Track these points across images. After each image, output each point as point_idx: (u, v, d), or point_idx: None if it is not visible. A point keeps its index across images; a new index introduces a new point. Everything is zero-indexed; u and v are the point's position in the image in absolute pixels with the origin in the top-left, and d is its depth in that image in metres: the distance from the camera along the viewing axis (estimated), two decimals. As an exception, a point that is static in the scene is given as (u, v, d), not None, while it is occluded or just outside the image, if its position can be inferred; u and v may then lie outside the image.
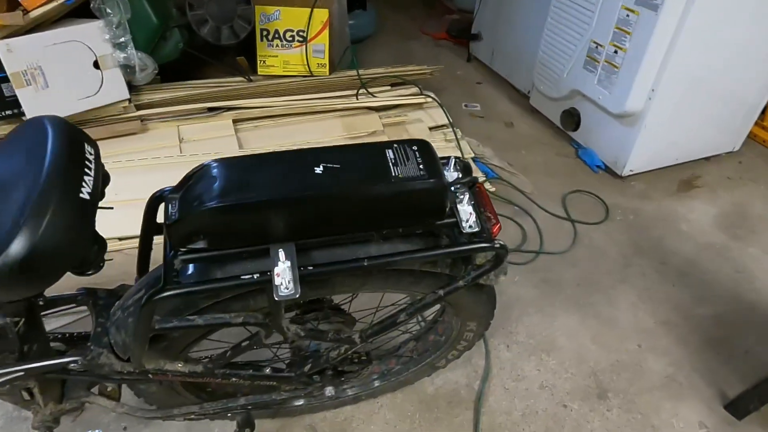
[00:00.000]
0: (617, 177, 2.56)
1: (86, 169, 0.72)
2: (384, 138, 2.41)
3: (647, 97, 2.28)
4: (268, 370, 1.09)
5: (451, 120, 2.56)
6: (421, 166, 0.80)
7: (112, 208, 0.93)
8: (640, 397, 1.65)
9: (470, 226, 0.85)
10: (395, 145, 0.83)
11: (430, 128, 2.56)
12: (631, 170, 2.51)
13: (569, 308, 1.92)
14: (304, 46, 2.54)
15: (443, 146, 2.38)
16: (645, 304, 1.95)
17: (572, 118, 2.72)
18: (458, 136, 2.53)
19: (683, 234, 2.27)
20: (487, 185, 2.43)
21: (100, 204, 0.84)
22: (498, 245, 0.88)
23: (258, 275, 0.78)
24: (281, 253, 0.78)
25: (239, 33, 2.36)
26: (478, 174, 2.46)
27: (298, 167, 0.78)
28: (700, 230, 2.30)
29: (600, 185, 2.53)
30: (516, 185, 2.47)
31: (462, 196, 0.87)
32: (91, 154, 0.75)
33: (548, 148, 2.79)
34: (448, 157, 0.94)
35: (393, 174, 0.78)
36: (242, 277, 0.79)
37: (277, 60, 2.54)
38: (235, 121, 2.32)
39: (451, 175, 0.90)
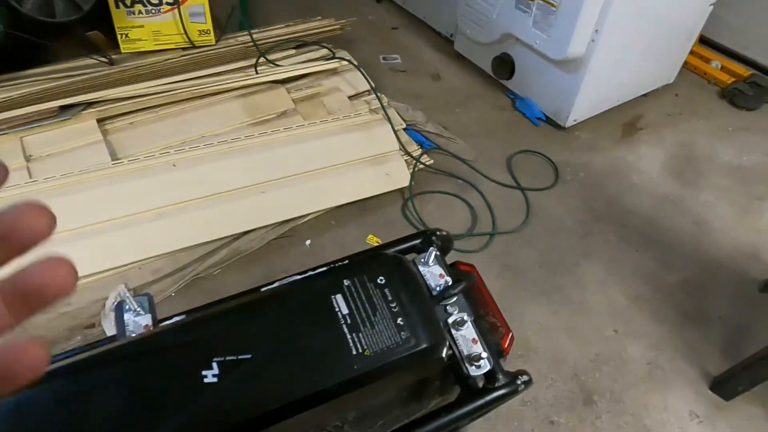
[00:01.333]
0: (560, 129, 2.33)
1: None
2: (297, 120, 1.99)
3: (590, 39, 2.01)
4: None
5: (373, 84, 2.17)
6: (399, 319, 0.46)
7: None
8: (626, 394, 1.50)
9: (477, 367, 0.54)
10: (345, 283, 0.48)
11: (350, 97, 2.15)
12: (575, 120, 2.28)
13: (537, 298, 1.71)
14: (177, 10, 1.98)
15: (369, 120, 2.01)
16: (613, 278, 1.78)
17: (505, 65, 2.41)
18: (384, 104, 2.15)
19: (636, 188, 2.11)
20: (424, 158, 2.11)
21: None
22: (522, 383, 0.58)
23: None
24: None
25: (81, 4, 1.77)
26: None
27: (169, 375, 0.41)
28: (652, 180, 2.15)
29: (544, 141, 2.29)
30: (456, 153, 2.17)
31: (455, 312, 0.55)
32: None
33: (482, 101, 2.48)
34: (424, 236, 0.60)
35: (354, 352, 0.44)
36: None
37: (143, 31, 1.98)
38: (100, 121, 1.79)
39: (432, 272, 0.57)
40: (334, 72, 2.20)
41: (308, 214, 1.86)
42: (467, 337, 0.53)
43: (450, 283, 0.55)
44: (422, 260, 0.56)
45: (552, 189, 2.08)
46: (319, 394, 0.43)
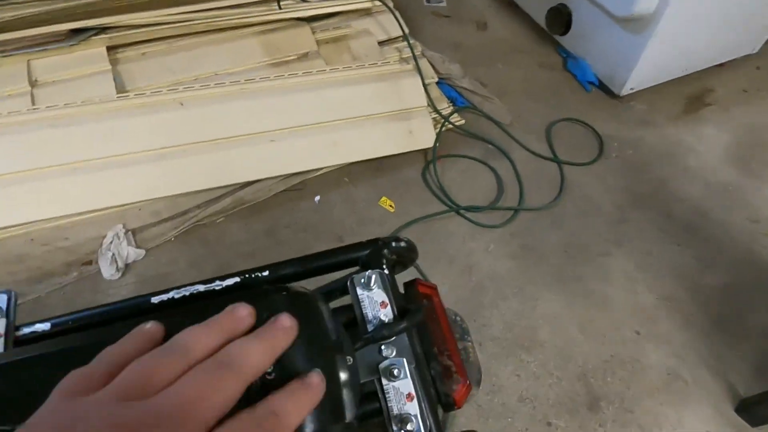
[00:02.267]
0: (614, 97, 2.07)
1: None
2: (319, 64, 1.83)
3: (663, -5, 1.73)
4: None
5: (406, 30, 1.96)
6: (268, 377, 0.34)
7: None
8: (638, 404, 1.36)
9: (408, 431, 0.42)
10: None
11: (381, 42, 1.96)
12: (631, 88, 2.02)
13: (554, 286, 1.56)
14: (200, -71, 1.81)
15: (397, 70, 1.82)
16: (644, 273, 1.60)
17: (561, 18, 2.14)
18: (416, 53, 1.95)
19: (690, 173, 1.87)
20: (454, 117, 1.92)
21: None
22: None
23: None
24: None
25: None
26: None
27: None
28: (711, 166, 1.90)
29: (592, 109, 2.05)
30: (490, 114, 1.97)
31: (391, 354, 0.42)
32: None
33: (529, 58, 2.23)
34: (372, 246, 0.47)
35: None
36: None
37: (163, -49, 1.82)
38: (110, 49, 1.69)
39: (373, 297, 0.44)
40: (366, 12, 2.00)
41: (320, 168, 1.74)
42: (401, 392, 0.42)
43: (390, 319, 0.43)
44: (361, 281, 0.44)
45: (592, 165, 1.87)
46: None
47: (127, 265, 1.54)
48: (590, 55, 2.10)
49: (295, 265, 0.48)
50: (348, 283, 0.45)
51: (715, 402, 1.37)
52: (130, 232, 1.56)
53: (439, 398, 0.46)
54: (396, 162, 1.80)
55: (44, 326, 0.41)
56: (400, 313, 0.44)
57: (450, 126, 1.90)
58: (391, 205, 1.71)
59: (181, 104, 1.60)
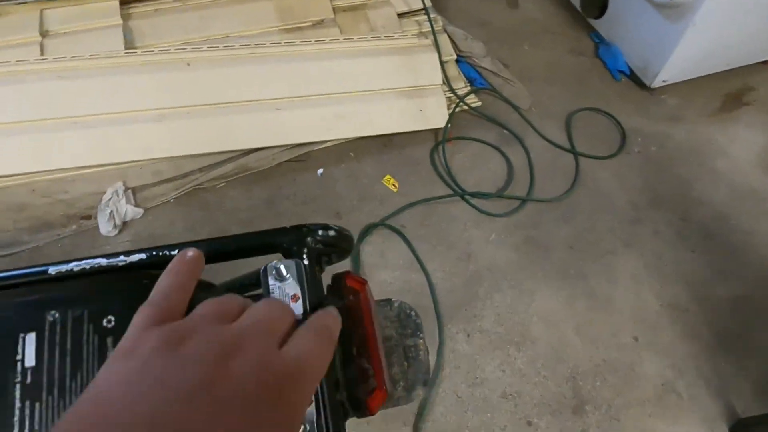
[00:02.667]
0: (644, 88, 1.95)
1: None
2: (333, 32, 1.76)
3: (707, -19, 1.59)
4: None
5: (428, 3, 1.87)
6: None
7: None
8: (626, 412, 1.31)
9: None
10: (52, 314, 0.32)
11: (401, 14, 1.88)
12: (664, 80, 1.90)
13: (554, 282, 1.50)
14: None
15: (415, 45, 1.75)
16: (652, 277, 1.52)
17: (597, 0, 2.01)
18: (437, 28, 1.86)
19: (717, 176, 1.76)
20: (470, 99, 1.84)
21: None
22: None
23: None
24: None
25: None
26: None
27: None
28: (740, 170, 1.78)
29: (619, 100, 1.93)
30: (509, 98, 1.89)
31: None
32: None
33: (559, 40, 2.12)
34: (296, 233, 0.43)
35: (18, 430, 0.30)
36: None
37: None
38: (123, 4, 1.66)
39: (284, 289, 0.40)
40: (388, -19, 1.91)
41: (326, 141, 1.70)
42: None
43: (299, 315, 0.39)
44: (273, 272, 0.40)
45: (612, 159, 1.78)
46: None
47: (125, 223, 1.54)
48: (624, 42, 1.97)
49: (213, 245, 0.44)
50: (261, 272, 0.41)
51: (709, 419, 1.31)
52: (130, 191, 1.56)
53: (353, 403, 0.43)
54: (404, 140, 1.74)
55: None
56: (313, 309, 0.40)
57: (464, 107, 1.82)
58: (394, 185, 1.66)
59: (188, 65, 1.58)
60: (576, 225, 1.63)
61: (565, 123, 1.86)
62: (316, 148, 1.71)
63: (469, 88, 1.87)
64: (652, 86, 1.92)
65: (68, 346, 0.31)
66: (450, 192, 1.65)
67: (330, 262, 0.48)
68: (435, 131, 1.77)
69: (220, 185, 1.64)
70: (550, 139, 1.81)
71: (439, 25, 1.89)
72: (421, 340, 0.60)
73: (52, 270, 0.40)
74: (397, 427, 1.26)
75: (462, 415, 1.29)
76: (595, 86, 1.97)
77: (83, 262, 0.40)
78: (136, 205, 1.56)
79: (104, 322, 0.32)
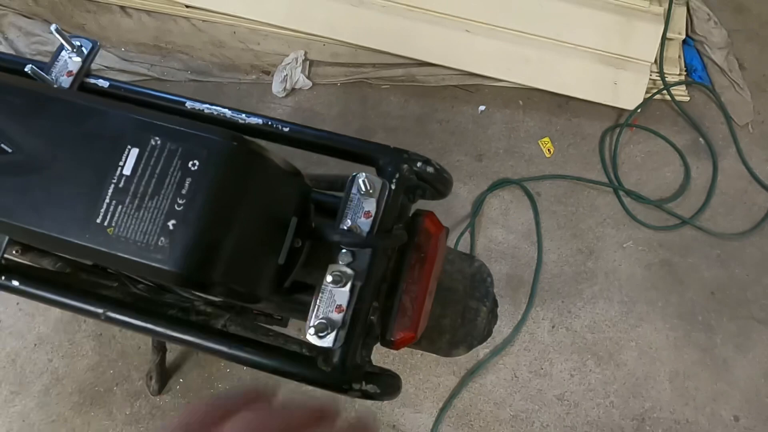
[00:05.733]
0: None
1: None
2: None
3: None
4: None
5: (683, -35, 1.59)
6: (172, 220, 0.34)
7: None
8: (682, 480, 1.19)
9: (321, 336, 0.40)
10: (154, 140, 0.35)
11: (643, -31, 1.63)
12: None
13: (672, 318, 1.34)
14: None
15: (641, 8, 1.51)
16: (794, 368, 1.28)
17: None
18: (679, -2, 1.59)
19: None
20: (679, 90, 1.59)
21: None
22: (359, 390, 0.43)
23: None
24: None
25: None
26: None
27: None
28: None
29: None
30: (726, 106, 1.60)
31: (344, 263, 0.40)
32: None
33: (829, 59, 1.69)
34: (395, 155, 0.43)
35: (98, 220, 0.34)
36: None
37: None
38: None
39: (363, 204, 0.41)
40: (647, -74, 1.65)
41: (500, 80, 1.61)
42: (334, 299, 0.40)
43: (364, 231, 0.40)
44: (360, 182, 0.41)
45: (819, 220, 1.46)
46: (44, 237, 0.36)
47: (294, 89, 1.66)
48: None
49: (317, 136, 0.46)
50: (348, 179, 0.42)
51: None
52: (307, 62, 1.66)
53: (382, 331, 0.44)
54: (581, 108, 1.59)
55: (105, 83, 0.47)
56: (380, 231, 0.41)
57: (666, 96, 1.59)
58: (549, 149, 1.56)
59: (399, -42, 1.56)
60: (731, 273, 1.40)
61: (781, 157, 1.54)
62: (488, 83, 1.64)
63: (683, 77, 1.61)
64: None
65: (157, 170, 0.36)
66: (605, 180, 1.50)
67: (423, 197, 0.48)
68: (619, 111, 1.58)
69: (384, 86, 1.67)
70: (751, 168, 1.52)
71: (683, -7, 1.61)
72: (485, 307, 0.58)
73: (189, 104, 0.45)
74: (445, 373, 1.29)
75: (511, 393, 1.27)
76: None
77: (213, 107, 0.45)
78: (308, 77, 1.66)
79: (189, 164, 0.36)
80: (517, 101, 1.63)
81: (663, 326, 1.33)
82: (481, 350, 1.31)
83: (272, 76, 1.67)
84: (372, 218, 0.41)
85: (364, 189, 0.41)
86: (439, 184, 0.46)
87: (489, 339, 1.31)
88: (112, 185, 0.36)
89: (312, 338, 0.40)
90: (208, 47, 1.69)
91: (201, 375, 1.30)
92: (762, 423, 1.23)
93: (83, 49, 0.50)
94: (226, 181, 0.36)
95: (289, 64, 1.64)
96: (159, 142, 0.36)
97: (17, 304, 1.38)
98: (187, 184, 0.36)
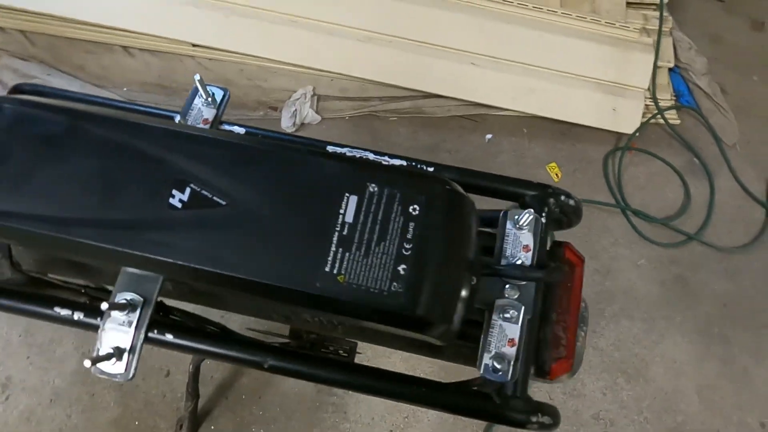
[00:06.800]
0: None
1: None
2: (553, 2, 1.69)
3: None
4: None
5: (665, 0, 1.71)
6: (402, 265, 0.35)
7: None
8: (721, 491, 1.21)
9: (495, 370, 0.41)
10: (372, 187, 0.37)
11: (629, 4, 1.74)
12: None
13: (691, 333, 1.39)
14: None
15: (633, 39, 1.62)
16: (808, 372, 1.35)
17: None
18: (664, 28, 1.71)
19: None
20: (670, 114, 1.70)
21: None
22: (536, 424, 0.44)
23: (81, 316, 0.46)
24: (124, 298, 0.43)
25: None
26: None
27: (143, 174, 0.38)
28: None
29: None
30: (714, 128, 1.70)
31: (513, 297, 0.41)
32: None
33: (799, 82, 1.84)
34: (542, 190, 0.45)
35: (329, 267, 0.35)
36: (56, 308, 0.47)
37: None
38: None
39: (519, 237, 0.43)
40: (629, -35, 1.77)
41: (505, 109, 1.67)
42: (505, 333, 0.41)
43: (527, 263, 0.41)
44: (515, 218, 0.42)
45: (811, 231, 1.56)
46: (268, 288, 0.37)
47: (302, 124, 1.67)
48: None
49: (459, 174, 0.47)
50: (501, 215, 0.43)
51: None
52: (315, 97, 1.68)
53: (536, 361, 0.45)
54: (583, 134, 1.66)
55: (240, 130, 0.47)
56: (538, 266, 0.42)
57: (660, 120, 1.68)
58: (557, 174, 1.61)
59: (406, -3, 1.61)
60: (739, 285, 1.47)
61: (769, 173, 1.65)
62: (493, 113, 1.69)
63: (673, 102, 1.71)
64: None
65: (379, 216, 0.37)
66: (612, 201, 1.57)
67: (560, 228, 0.50)
68: (618, 135, 1.66)
69: (393, 118, 1.70)
70: (744, 185, 1.62)
71: (667, 26, 1.73)
72: (584, 333, 0.60)
73: (330, 149, 0.45)
74: (481, 400, 1.29)
75: (548, 417, 1.28)
76: (822, 145, 1.70)
77: (354, 150, 0.45)
78: (317, 112, 1.68)
79: (410, 209, 0.37)
80: (521, 129, 1.69)
81: (683, 341, 1.38)
82: (514, 375, 1.31)
83: (280, 111, 1.67)
84: (531, 252, 0.42)
85: (519, 224, 0.43)
86: (575, 216, 0.48)
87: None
88: (336, 233, 0.36)
89: (488, 374, 0.41)
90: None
91: (233, 420, 1.26)
92: (787, 428, 1.28)
93: (216, 97, 0.50)
94: (446, 223, 0.36)
95: (297, 99, 1.66)
96: (376, 189, 0.37)
97: (27, 358, 1.30)
98: (411, 229, 0.36)
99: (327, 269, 0.36)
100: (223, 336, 0.49)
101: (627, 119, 1.64)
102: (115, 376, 0.43)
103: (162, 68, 1.69)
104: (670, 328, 1.40)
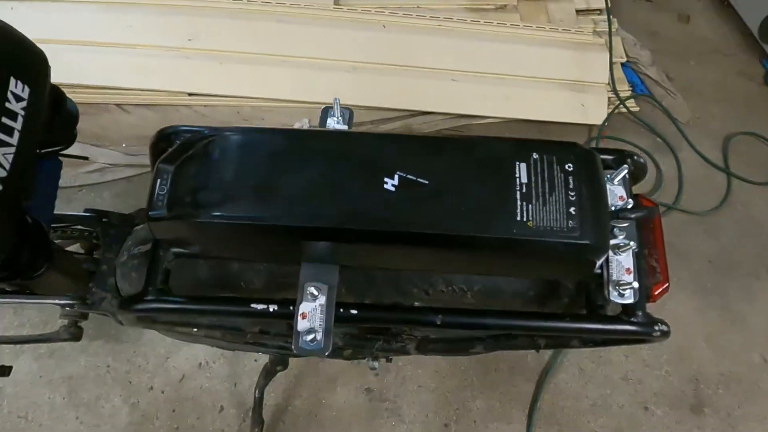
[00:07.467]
0: (814, 124, 1.91)
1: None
2: (514, 18, 1.88)
3: None
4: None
5: (608, 4, 1.94)
6: (572, 208, 0.46)
7: (86, 158, 0.68)
8: (744, 423, 1.35)
9: (621, 294, 0.52)
10: (534, 156, 0.48)
11: (579, 12, 1.96)
12: (838, 119, 1.84)
13: (689, 290, 1.55)
14: None
15: (588, 42, 1.83)
16: (792, 308, 1.53)
17: (780, 27, 1.98)
18: (612, 29, 1.93)
19: None
20: (630, 103, 1.90)
21: (70, 151, 0.59)
22: (658, 332, 0.55)
23: (275, 307, 0.53)
24: (312, 289, 0.51)
25: None
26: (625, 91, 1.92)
27: (357, 170, 0.48)
28: None
29: (785, 131, 1.90)
30: (668, 109, 1.92)
31: (621, 237, 0.53)
32: (20, 98, 0.46)
33: (728, 62, 2.10)
34: (619, 157, 0.56)
35: (518, 218, 0.45)
36: (252, 305, 0.54)
37: None
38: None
39: (614, 191, 0.54)
40: (571, -22, 1.99)
41: (487, 117, 1.83)
42: (623, 264, 0.52)
43: (629, 207, 0.53)
44: (608, 176, 0.54)
45: (767, 187, 1.77)
46: (474, 239, 0.47)
47: (302, 156, 1.76)
48: (801, 74, 1.93)
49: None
50: None
51: (831, 451, 1.32)
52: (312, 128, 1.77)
53: (640, 289, 0.56)
54: (558, 130, 1.83)
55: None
56: (633, 208, 0.54)
57: (623, 109, 1.88)
58: (544, 169, 1.76)
59: (384, 26, 1.76)
60: (719, 243, 1.65)
61: (722, 143, 1.86)
62: (476, 122, 1.84)
63: (630, 92, 1.92)
64: (824, 123, 1.87)
65: (545, 176, 0.48)
66: (596, 186, 1.73)
67: (634, 183, 0.61)
68: (589, 127, 1.84)
69: (386, 139, 1.81)
70: (704, 156, 1.83)
71: (614, 27, 1.95)
72: None
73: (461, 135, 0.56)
74: (522, 382, 1.39)
75: (583, 385, 1.39)
76: (760, 113, 1.95)
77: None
78: (315, 142, 1.77)
79: (566, 167, 0.48)
80: (504, 133, 1.84)
81: (684, 298, 1.53)
82: (545, 354, 1.43)
83: (280, 146, 1.75)
84: (626, 200, 0.54)
85: (617, 180, 0.54)
86: (642, 173, 0.60)
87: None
88: (518, 191, 0.47)
89: (617, 298, 0.51)
90: (213, 129, 1.76)
91: (295, 441, 1.30)
92: (786, 358, 1.45)
93: (346, 116, 0.59)
94: (592, 174, 0.47)
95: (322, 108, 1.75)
96: (537, 156, 0.47)
97: (76, 418, 1.30)
98: (571, 181, 0.47)
99: (518, 218, 0.46)
100: (391, 306, 0.58)
101: (595, 112, 1.82)
102: (314, 352, 0.51)
103: (159, 120, 1.74)
104: (671, 289, 1.55)
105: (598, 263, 0.49)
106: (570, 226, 0.46)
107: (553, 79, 1.81)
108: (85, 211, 0.79)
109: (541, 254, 0.48)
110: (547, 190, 0.47)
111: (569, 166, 0.48)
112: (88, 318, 1.01)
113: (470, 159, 0.50)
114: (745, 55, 2.12)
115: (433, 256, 0.51)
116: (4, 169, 0.45)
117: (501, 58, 1.78)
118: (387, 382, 1.37)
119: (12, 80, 0.45)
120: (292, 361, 1.28)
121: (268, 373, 1.11)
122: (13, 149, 0.46)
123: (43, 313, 1.40)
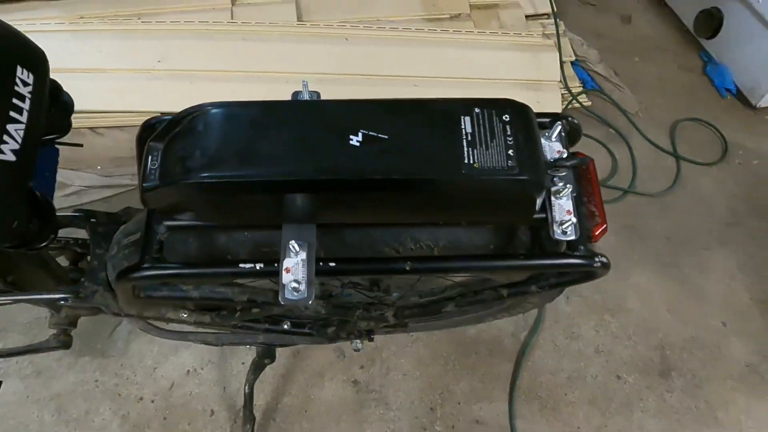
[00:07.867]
0: (749, 107, 2.07)
1: (13, 112, 0.50)
2: (468, 25, 2.00)
3: (829, 9, 1.71)
4: (286, 326, 0.96)
5: (554, 8, 2.08)
6: (510, 151, 0.53)
7: (81, 145, 0.74)
8: (709, 383, 1.44)
9: (564, 232, 0.60)
10: (476, 110, 0.56)
11: (528, 17, 2.09)
12: (770, 101, 2.01)
13: (649, 266, 1.65)
14: None
15: (539, 44, 1.95)
16: (744, 275, 1.64)
17: (711, 22, 2.15)
18: (559, 31, 2.06)
19: (817, 194, 1.85)
20: (582, 98, 2.03)
21: (65, 139, 0.65)
22: (599, 263, 0.63)
23: (261, 265, 0.59)
24: (293, 245, 0.58)
25: None
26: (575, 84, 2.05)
27: (326, 131, 0.55)
28: (840, 192, 1.86)
29: (724, 115, 2.06)
30: (618, 102, 2.05)
31: (560, 183, 0.60)
32: (26, 83, 0.52)
33: (669, 57, 2.26)
34: (555, 118, 0.65)
35: (466, 161, 0.53)
36: (241, 265, 0.60)
37: None
38: (296, -16, 1.97)
39: (552, 146, 0.62)
40: (519, -13, 2.13)
41: (450, 119, 1.92)
42: (563, 207, 0.59)
43: (565, 156, 0.61)
44: (545, 134, 0.62)
45: (712, 167, 1.91)
46: (430, 182, 0.54)
47: (276, 166, 1.82)
48: (733, 63, 2.10)
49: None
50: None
51: (789, 402, 1.42)
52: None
53: (582, 232, 0.64)
54: (519, 127, 1.94)
55: None
56: (568, 156, 0.62)
57: (577, 105, 2.01)
58: (507, 164, 1.86)
59: (347, 39, 1.85)
60: (673, 220, 1.77)
61: (669, 130, 2.00)
62: (441, 124, 1.93)
63: (581, 88, 2.05)
64: (758, 106, 2.03)
65: (486, 126, 0.55)
66: (557, 176, 1.84)
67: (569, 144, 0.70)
68: (547, 123, 1.96)
69: (356, 146, 1.89)
70: (654, 142, 1.96)
71: (561, 29, 2.09)
72: None
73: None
74: (501, 362, 1.45)
75: (558, 360, 1.47)
76: (700, 101, 2.10)
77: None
78: (287, 153, 1.83)
79: (503, 118, 0.55)
80: (468, 133, 1.93)
81: (645, 274, 1.63)
82: (521, 333, 1.50)
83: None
84: (562, 153, 0.62)
85: (554, 136, 0.62)
86: (577, 134, 0.68)
87: (523, 323, 1.51)
88: (464, 140, 0.54)
89: (560, 236, 0.59)
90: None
91: (287, 437, 1.33)
92: (741, 320, 1.55)
93: (314, 97, 0.67)
94: (526, 124, 0.55)
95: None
96: (478, 111, 0.55)
97: (66, 434, 1.31)
98: (508, 129, 0.54)
99: (466, 161, 0.53)
100: (365, 258, 0.64)
101: (550, 107, 1.93)
102: (299, 301, 0.57)
103: (132, 141, 1.78)
104: (633, 266, 1.65)
105: (539, 201, 0.57)
106: (509, 165, 0.53)
107: (508, 80, 1.92)
108: (74, 211, 0.83)
109: (488, 192, 0.55)
110: (488, 138, 0.55)
111: (506, 117, 0.56)
112: (77, 326, 1.04)
113: (423, 116, 0.57)
114: (684, 49, 2.28)
115: (398, 204, 0.58)
116: (17, 142, 0.50)
117: (458, 63, 1.89)
118: (372, 373, 1.42)
119: (19, 68, 0.51)
120: (279, 358, 1.33)
121: (256, 367, 1.15)
122: (23, 126, 0.51)
123: (28, 335, 1.41)
